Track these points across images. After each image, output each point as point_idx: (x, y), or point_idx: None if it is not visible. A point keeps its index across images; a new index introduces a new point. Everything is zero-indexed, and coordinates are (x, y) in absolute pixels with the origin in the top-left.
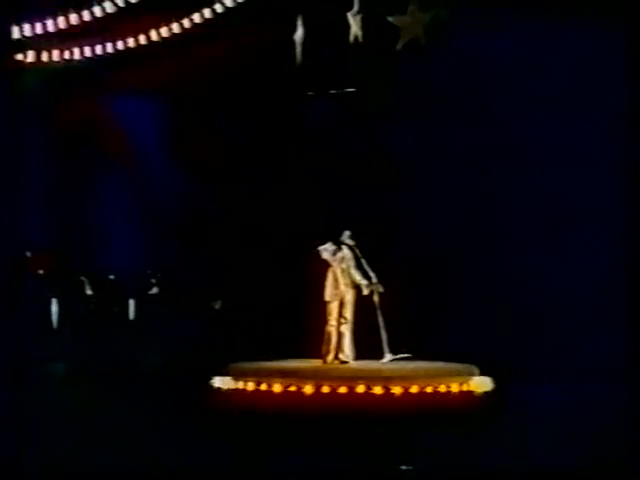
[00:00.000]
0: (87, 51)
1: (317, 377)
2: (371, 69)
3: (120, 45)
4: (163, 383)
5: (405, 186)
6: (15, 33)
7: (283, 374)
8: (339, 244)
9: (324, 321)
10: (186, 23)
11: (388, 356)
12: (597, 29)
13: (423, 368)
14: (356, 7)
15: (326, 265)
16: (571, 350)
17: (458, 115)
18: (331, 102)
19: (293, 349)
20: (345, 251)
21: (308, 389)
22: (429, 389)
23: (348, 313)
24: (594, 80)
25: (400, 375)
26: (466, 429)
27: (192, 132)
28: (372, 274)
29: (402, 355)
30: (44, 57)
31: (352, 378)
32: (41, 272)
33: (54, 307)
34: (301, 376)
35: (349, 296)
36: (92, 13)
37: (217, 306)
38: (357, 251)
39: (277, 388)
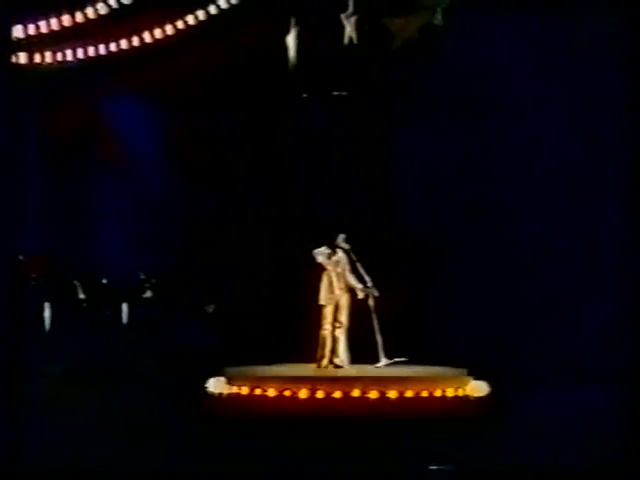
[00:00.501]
0: (80, 53)
1: (312, 382)
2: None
3: (113, 47)
4: (157, 387)
5: (401, 190)
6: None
7: (277, 379)
8: (334, 248)
9: (319, 325)
10: (180, 25)
11: (383, 360)
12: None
13: (419, 372)
14: (350, 9)
15: (321, 269)
16: (569, 352)
17: (456, 116)
18: (327, 104)
19: (287, 353)
20: (340, 255)
21: (303, 394)
22: (424, 393)
23: (343, 317)
24: (594, 79)
25: (395, 379)
26: (462, 434)
27: (187, 135)
28: (367, 278)
29: (397, 359)
30: (37, 59)
31: (347, 382)
32: (34, 277)
33: (47, 311)
34: (296, 381)
35: (344, 300)
36: (85, 15)
37: (211, 310)
38: (352, 255)
39: (271, 393)
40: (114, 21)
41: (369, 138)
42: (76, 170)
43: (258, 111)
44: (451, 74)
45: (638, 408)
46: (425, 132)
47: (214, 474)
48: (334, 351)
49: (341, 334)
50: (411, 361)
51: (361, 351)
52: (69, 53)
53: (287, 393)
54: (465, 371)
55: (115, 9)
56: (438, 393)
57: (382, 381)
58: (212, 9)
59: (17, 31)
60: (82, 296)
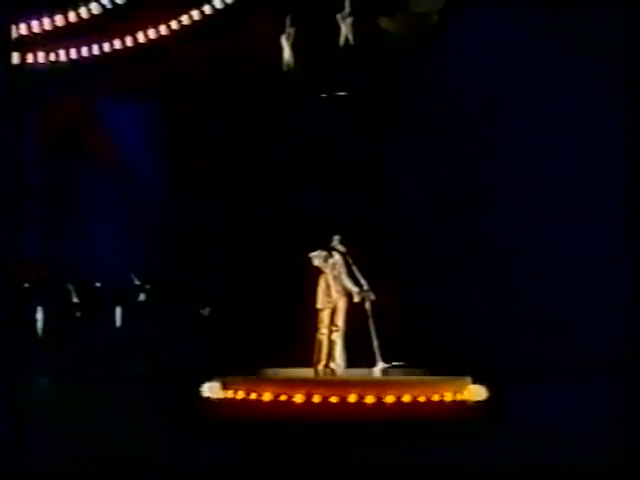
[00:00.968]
0: (73, 53)
1: (308, 386)
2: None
3: (107, 48)
4: (151, 392)
5: (398, 192)
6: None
7: (273, 383)
8: (330, 250)
9: (315, 329)
10: (174, 25)
11: (380, 364)
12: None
13: (416, 377)
14: (347, 9)
15: (317, 272)
16: (569, 352)
17: (454, 118)
18: (323, 105)
19: (283, 357)
20: (336, 257)
21: (299, 398)
22: (422, 398)
23: (340, 321)
24: (595, 75)
25: (393, 384)
26: (460, 439)
27: (182, 138)
28: (363, 281)
29: (395, 363)
30: (29, 59)
31: (344, 387)
32: (26, 285)
33: (39, 315)
34: (291, 385)
35: (341, 303)
36: (78, 15)
37: (206, 313)
38: (348, 257)
39: (267, 397)
40: (107, 21)
41: (365, 139)
42: (69, 173)
43: (253, 112)
44: (450, 74)
45: (638, 408)
46: (422, 133)
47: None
48: (331, 355)
49: (338, 338)
50: (409, 365)
51: (358, 355)
52: (62, 53)
53: (283, 398)
54: (463, 376)
55: (108, 9)
56: (436, 398)
57: (379, 385)
58: (207, 9)
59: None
60: (75, 300)
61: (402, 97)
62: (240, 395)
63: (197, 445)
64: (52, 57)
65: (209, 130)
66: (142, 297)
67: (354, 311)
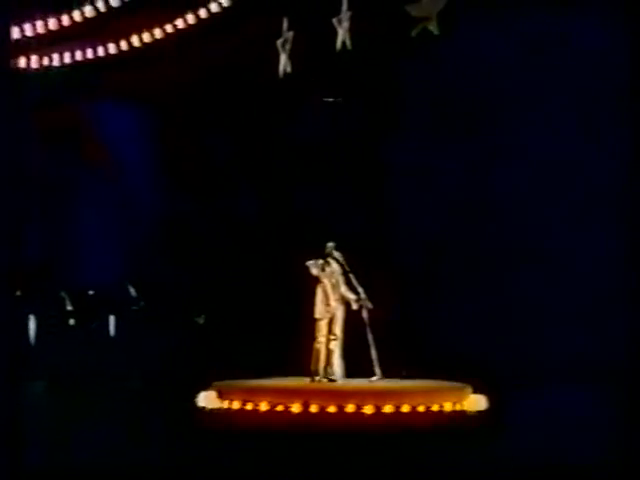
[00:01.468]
0: (67, 57)
1: (305, 396)
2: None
3: (101, 52)
4: (145, 402)
5: (397, 198)
6: None
7: (270, 392)
8: (326, 257)
9: (312, 337)
10: (169, 29)
11: (379, 373)
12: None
13: (415, 386)
14: (343, 13)
15: (314, 280)
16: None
17: (452, 121)
18: (321, 111)
19: (280, 366)
20: (334, 265)
21: (296, 408)
22: (421, 408)
23: (338, 329)
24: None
25: (391, 393)
26: (460, 449)
27: (176, 142)
28: (360, 289)
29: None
30: (22, 63)
31: (341, 396)
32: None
33: (32, 324)
34: (288, 394)
35: (340, 312)
36: (72, 18)
37: (201, 321)
38: (345, 265)
39: (264, 407)
40: (102, 25)
41: (363, 144)
42: (63, 179)
43: (249, 117)
44: (448, 78)
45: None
46: (422, 138)
47: None
48: (328, 364)
49: (336, 347)
50: (408, 374)
51: (356, 364)
52: (56, 57)
53: (280, 408)
54: (463, 385)
55: (103, 12)
56: (435, 407)
57: (378, 395)
58: (202, 13)
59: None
60: (69, 308)
61: (401, 101)
62: (236, 405)
63: (192, 456)
64: (46, 61)
65: (204, 134)
66: (136, 305)
67: (352, 320)
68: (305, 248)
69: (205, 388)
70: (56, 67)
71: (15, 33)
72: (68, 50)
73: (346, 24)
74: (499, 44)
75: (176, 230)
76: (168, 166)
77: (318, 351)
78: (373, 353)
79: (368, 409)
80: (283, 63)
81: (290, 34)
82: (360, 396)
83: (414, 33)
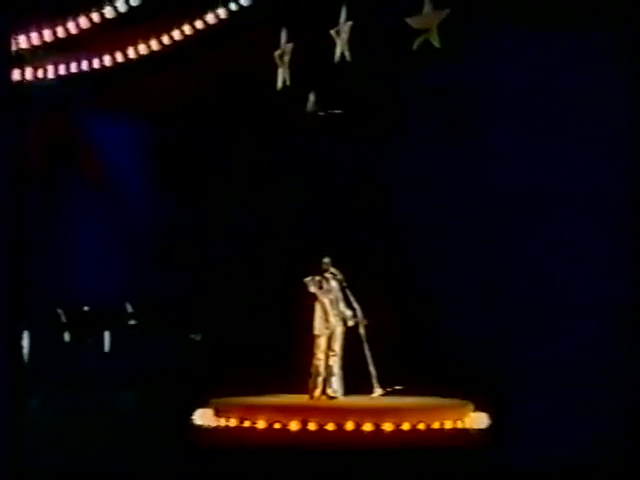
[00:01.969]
0: (62, 69)
1: (303, 413)
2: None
3: (96, 64)
4: (141, 419)
5: (395, 211)
6: None
7: (267, 410)
8: (322, 272)
9: (311, 354)
10: (166, 40)
11: (378, 390)
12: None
13: (415, 403)
14: (342, 24)
15: (313, 296)
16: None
17: (451, 132)
18: (319, 123)
19: (278, 383)
20: (332, 282)
21: (294, 426)
22: (421, 426)
23: (337, 346)
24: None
25: (391, 411)
26: (461, 468)
27: (174, 158)
28: (356, 305)
29: (395, 388)
30: (16, 75)
31: (340, 414)
32: None
33: (25, 341)
34: (287, 412)
35: (339, 328)
36: (67, 30)
37: (198, 338)
38: (343, 281)
39: (261, 425)
40: (97, 36)
41: (361, 157)
42: (57, 194)
43: (247, 129)
44: (447, 88)
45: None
46: (419, 149)
47: None
48: (327, 381)
49: (335, 363)
50: (408, 391)
51: (355, 381)
52: (50, 69)
53: (277, 425)
54: (464, 402)
55: (98, 24)
56: (436, 425)
57: (377, 412)
58: (199, 24)
59: None
60: (64, 324)
61: (401, 112)
62: (233, 422)
63: (188, 474)
64: (40, 73)
65: (202, 148)
66: (132, 321)
67: (351, 336)
68: (303, 263)
69: (202, 405)
70: (51, 79)
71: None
72: (63, 63)
73: (345, 35)
74: (500, 56)
75: (173, 245)
76: (165, 180)
77: (317, 368)
78: (372, 369)
79: (367, 427)
80: (281, 75)
81: (289, 46)
82: (359, 413)
83: (415, 46)
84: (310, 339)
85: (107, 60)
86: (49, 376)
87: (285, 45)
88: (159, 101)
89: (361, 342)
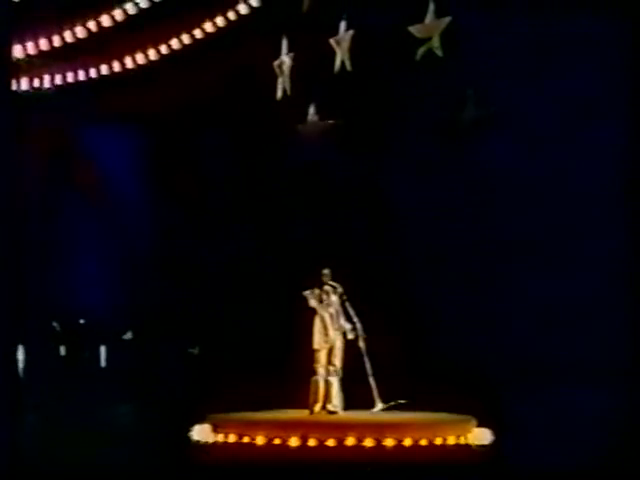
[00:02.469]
0: (58, 79)
1: (303, 429)
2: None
3: (93, 72)
4: (137, 435)
5: (396, 221)
6: None
7: (267, 425)
8: (322, 285)
9: (311, 368)
10: (164, 50)
11: (379, 405)
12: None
13: (417, 418)
14: (342, 33)
15: (313, 309)
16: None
17: (452, 147)
18: (319, 133)
19: (277, 398)
20: (331, 295)
21: (294, 441)
22: (424, 441)
23: (337, 360)
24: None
25: (393, 426)
26: None
27: (171, 165)
28: (356, 319)
29: (395, 403)
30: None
31: (341, 429)
32: None
33: (20, 354)
34: (286, 427)
35: (339, 342)
36: (63, 39)
37: (196, 352)
38: (343, 294)
39: (260, 440)
40: (94, 46)
41: (361, 167)
42: (52, 205)
43: (246, 139)
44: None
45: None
46: (421, 160)
47: None
48: (327, 396)
49: (335, 378)
50: (410, 406)
51: (356, 396)
52: (47, 79)
53: (277, 441)
54: (467, 417)
55: (94, 33)
56: (438, 441)
57: (378, 428)
58: (197, 33)
59: None
60: (59, 338)
61: (401, 122)
62: (232, 438)
63: None
64: (36, 83)
65: (200, 159)
66: (129, 335)
67: (352, 350)
68: (303, 275)
69: (199, 421)
70: (47, 89)
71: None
72: (59, 72)
73: (345, 45)
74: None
75: (170, 257)
76: (163, 191)
77: (317, 382)
78: (372, 384)
79: (368, 442)
80: (281, 85)
81: (289, 55)
82: (360, 429)
83: (419, 55)
84: (310, 353)
85: (104, 69)
86: (44, 390)
87: (285, 55)
88: (157, 111)
89: (361, 356)
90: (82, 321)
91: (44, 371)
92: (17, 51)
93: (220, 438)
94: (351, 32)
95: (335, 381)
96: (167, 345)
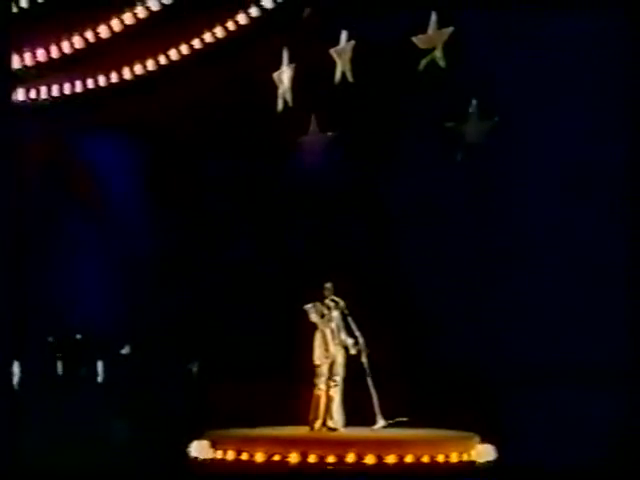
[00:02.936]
0: (55, 90)
1: (303, 445)
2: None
3: (91, 83)
4: (135, 452)
5: (398, 235)
6: None
7: (266, 442)
8: (323, 299)
9: (312, 384)
10: (163, 61)
11: (381, 422)
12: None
13: (419, 435)
14: (342, 44)
15: (313, 323)
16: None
17: (454, 159)
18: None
19: (277, 414)
20: (333, 311)
21: (293, 458)
22: (426, 458)
23: (338, 376)
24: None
25: (394, 443)
26: None
27: (170, 177)
28: (358, 333)
29: (398, 419)
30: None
31: (342, 446)
32: None
33: (15, 369)
34: (286, 444)
35: (340, 357)
36: (60, 49)
37: (194, 368)
38: (344, 308)
39: (260, 457)
40: (91, 56)
41: (363, 178)
42: (48, 216)
43: (246, 151)
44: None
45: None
46: (422, 170)
47: None
48: (328, 412)
49: (336, 393)
50: (412, 422)
51: (357, 412)
52: (43, 90)
53: (277, 458)
54: (470, 434)
55: (92, 43)
56: (441, 458)
57: (380, 445)
58: (197, 44)
59: None
60: (55, 353)
61: (402, 132)
62: (231, 455)
63: None
64: (33, 94)
65: (199, 170)
66: (126, 350)
67: (353, 366)
68: (303, 289)
69: (198, 437)
70: (43, 100)
71: None
72: (56, 83)
73: (347, 55)
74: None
75: (169, 271)
76: (161, 203)
77: (318, 398)
78: (374, 399)
79: (369, 459)
80: (282, 96)
81: (290, 66)
82: (361, 446)
83: (422, 65)
84: (311, 368)
85: (102, 80)
86: (40, 406)
87: (285, 65)
88: (155, 121)
89: (363, 372)
90: (79, 336)
91: (40, 387)
92: (14, 62)
93: (219, 454)
94: (352, 43)
95: (336, 397)
96: (165, 360)
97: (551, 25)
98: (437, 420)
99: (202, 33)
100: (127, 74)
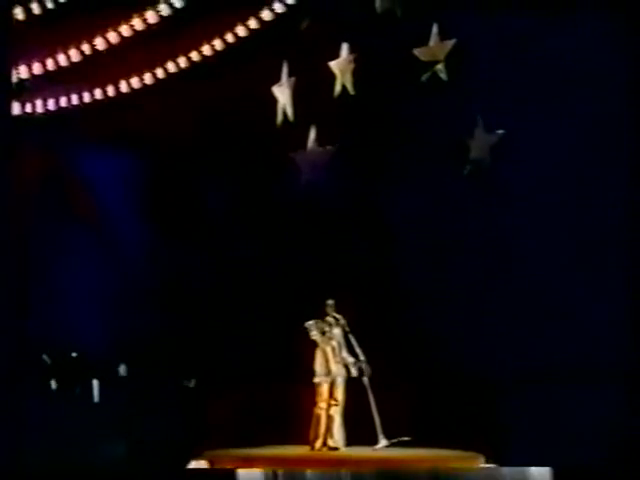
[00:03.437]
0: (51, 104)
1: (303, 465)
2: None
3: (87, 96)
4: (133, 472)
5: (399, 250)
6: None
7: (265, 462)
8: (324, 317)
9: (312, 403)
10: (160, 73)
11: (383, 441)
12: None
13: (421, 455)
14: (343, 56)
15: (314, 342)
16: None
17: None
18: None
19: (277, 433)
20: (335, 329)
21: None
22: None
23: (339, 394)
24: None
25: (395, 463)
26: None
27: (167, 192)
28: (359, 351)
29: (399, 439)
30: None
31: (342, 466)
32: None
33: None
34: (285, 464)
35: (341, 376)
36: (56, 62)
37: (192, 385)
38: (345, 326)
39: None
40: (88, 70)
41: (363, 194)
42: (43, 231)
43: (245, 166)
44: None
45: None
46: (424, 185)
47: None
48: (329, 431)
49: (336, 413)
50: (414, 442)
51: (359, 431)
52: (39, 103)
53: None
54: (474, 454)
55: (88, 56)
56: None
57: (380, 465)
58: (195, 56)
59: None
60: (49, 371)
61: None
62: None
63: None
64: (28, 108)
65: (197, 185)
66: (122, 369)
67: (354, 384)
68: (304, 306)
69: (196, 457)
70: (39, 114)
71: None
72: (52, 97)
73: (347, 68)
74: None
75: (165, 289)
76: (158, 219)
77: (318, 417)
78: (376, 419)
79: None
80: (281, 110)
81: (290, 80)
82: (362, 466)
83: (424, 78)
84: (311, 387)
85: (98, 93)
86: (34, 426)
87: (285, 78)
88: (152, 135)
89: (365, 390)
90: (74, 354)
91: (34, 406)
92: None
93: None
94: (353, 55)
95: (337, 416)
96: (162, 379)
97: (554, 37)
98: (440, 439)
99: (200, 46)
100: (124, 87)
